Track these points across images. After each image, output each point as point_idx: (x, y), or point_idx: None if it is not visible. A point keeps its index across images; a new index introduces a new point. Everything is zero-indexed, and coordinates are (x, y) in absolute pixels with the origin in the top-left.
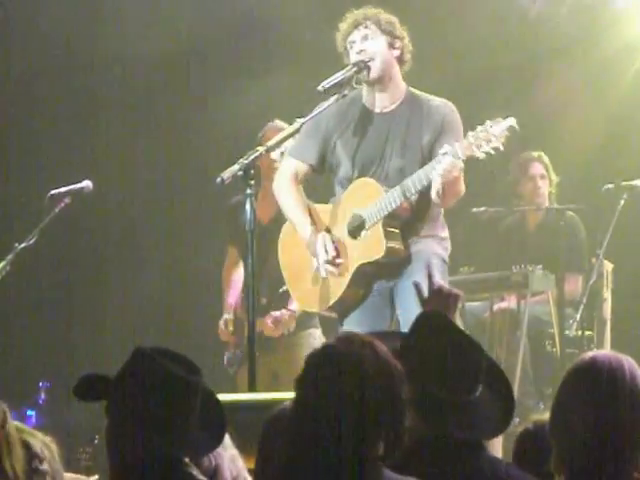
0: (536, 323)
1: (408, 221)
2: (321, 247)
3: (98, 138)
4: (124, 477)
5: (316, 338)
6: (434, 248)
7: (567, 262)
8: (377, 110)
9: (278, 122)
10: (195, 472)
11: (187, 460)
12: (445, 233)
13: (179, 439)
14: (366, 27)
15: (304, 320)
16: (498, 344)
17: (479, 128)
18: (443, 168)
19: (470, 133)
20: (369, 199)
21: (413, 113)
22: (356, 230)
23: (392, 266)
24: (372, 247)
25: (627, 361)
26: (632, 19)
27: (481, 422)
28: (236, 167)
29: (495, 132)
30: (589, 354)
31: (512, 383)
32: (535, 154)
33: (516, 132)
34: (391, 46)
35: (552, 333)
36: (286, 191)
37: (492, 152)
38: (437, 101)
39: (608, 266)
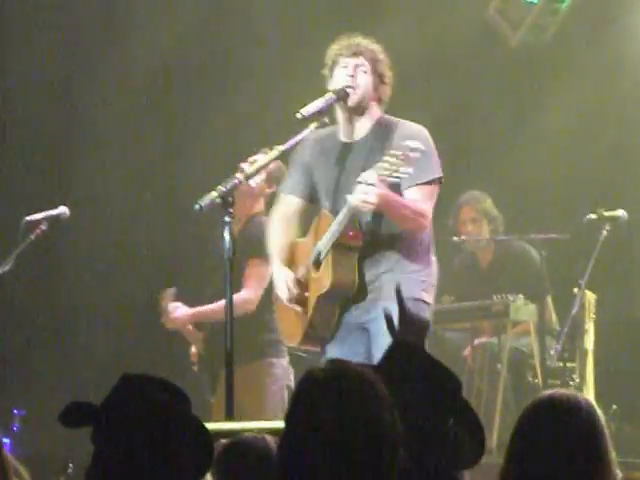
0: (517, 354)
1: (366, 252)
2: (283, 284)
3: (74, 164)
4: None
5: (278, 367)
6: (407, 284)
7: (528, 291)
8: (345, 140)
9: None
10: None
11: None
12: (423, 265)
13: (165, 467)
14: (363, 59)
15: (263, 349)
16: (479, 376)
17: (391, 152)
18: (354, 197)
19: (384, 158)
20: (324, 231)
21: (376, 142)
22: (316, 263)
23: (357, 298)
24: (323, 279)
25: (585, 402)
26: (612, 44)
27: (453, 453)
28: (214, 194)
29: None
30: (546, 393)
31: (493, 415)
32: (468, 196)
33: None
34: (376, 88)
35: (533, 364)
36: (271, 228)
37: (405, 176)
38: (406, 128)
39: (590, 297)
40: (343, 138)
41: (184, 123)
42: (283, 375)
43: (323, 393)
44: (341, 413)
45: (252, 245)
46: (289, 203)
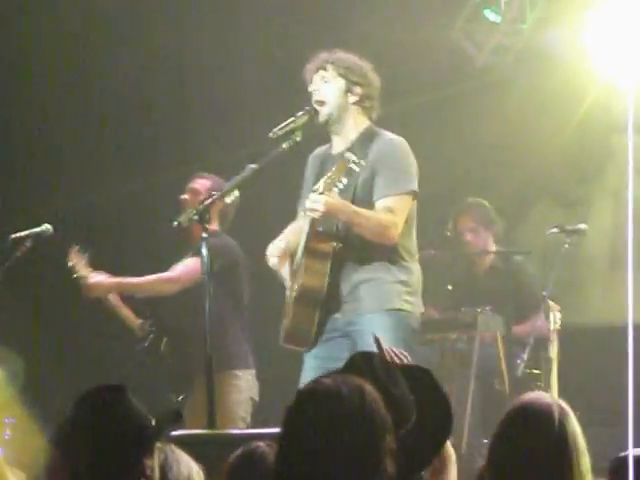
0: (485, 363)
1: (344, 258)
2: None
3: (59, 180)
4: None
5: (241, 379)
6: (387, 295)
7: (520, 304)
8: (333, 152)
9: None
10: None
11: None
12: (404, 273)
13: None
14: (325, 70)
15: (230, 360)
16: (449, 383)
17: (339, 162)
18: (306, 205)
19: (333, 169)
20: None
21: (359, 152)
22: (296, 267)
23: (338, 305)
24: (295, 283)
25: (557, 405)
26: (575, 66)
27: (411, 454)
28: (192, 211)
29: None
30: (524, 397)
31: (463, 420)
32: (466, 205)
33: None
34: (348, 91)
35: (501, 372)
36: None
37: (341, 186)
38: (383, 140)
39: (554, 307)
40: (333, 151)
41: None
42: (248, 387)
43: (320, 406)
44: (335, 426)
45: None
46: (299, 218)
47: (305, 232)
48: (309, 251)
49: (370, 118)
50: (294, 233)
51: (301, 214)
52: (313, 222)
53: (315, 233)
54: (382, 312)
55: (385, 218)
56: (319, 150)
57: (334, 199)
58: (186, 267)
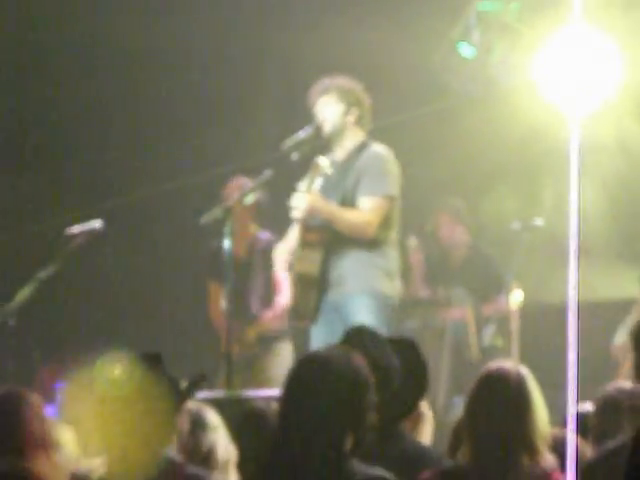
0: (458, 336)
1: (332, 248)
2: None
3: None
4: None
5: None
6: (369, 277)
7: (488, 287)
8: (336, 160)
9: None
10: None
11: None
12: (384, 260)
13: None
14: (328, 95)
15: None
16: (426, 352)
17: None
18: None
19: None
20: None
21: (350, 162)
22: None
23: (331, 287)
24: (293, 271)
25: (517, 370)
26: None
27: (394, 408)
28: (217, 210)
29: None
30: (492, 365)
31: (438, 383)
32: (445, 205)
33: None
34: (346, 112)
35: (470, 343)
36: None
37: (317, 186)
38: (370, 150)
39: (516, 289)
40: (337, 159)
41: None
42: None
43: (319, 371)
44: (325, 386)
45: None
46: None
47: (297, 226)
48: (305, 243)
49: (364, 131)
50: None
51: None
52: (306, 218)
53: (306, 227)
54: (365, 294)
55: (361, 217)
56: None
57: (316, 199)
58: None
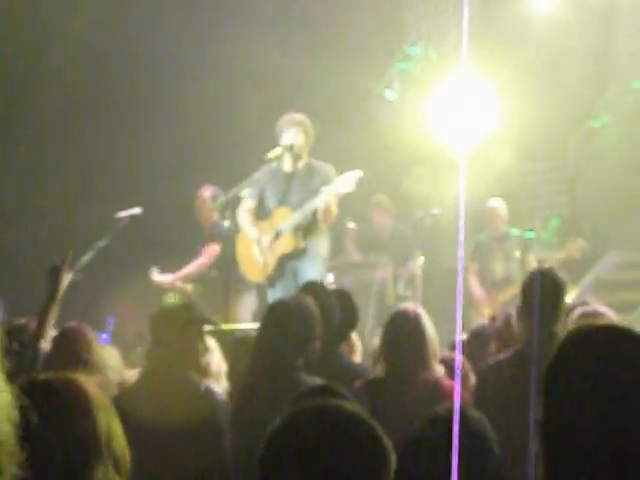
0: (381, 288)
1: (309, 231)
2: (260, 243)
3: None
4: None
5: None
6: (318, 249)
7: (402, 256)
8: (289, 170)
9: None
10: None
11: None
12: (326, 239)
13: None
14: (295, 126)
15: None
16: (358, 299)
17: (341, 177)
18: (322, 200)
19: (335, 180)
20: (284, 218)
21: (307, 171)
22: (279, 235)
23: (296, 254)
24: (287, 244)
25: (414, 312)
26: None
27: (332, 337)
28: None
29: (349, 180)
30: (399, 307)
31: (366, 319)
32: (375, 200)
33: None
34: (305, 141)
35: (389, 293)
36: (242, 215)
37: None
38: (321, 164)
39: (420, 256)
40: (287, 170)
41: None
42: None
43: (280, 309)
44: (283, 322)
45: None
46: (249, 203)
47: (299, 214)
48: (298, 227)
49: (309, 152)
50: (248, 217)
51: (247, 201)
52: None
53: (299, 226)
54: (313, 259)
55: (331, 209)
56: (268, 168)
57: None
58: None
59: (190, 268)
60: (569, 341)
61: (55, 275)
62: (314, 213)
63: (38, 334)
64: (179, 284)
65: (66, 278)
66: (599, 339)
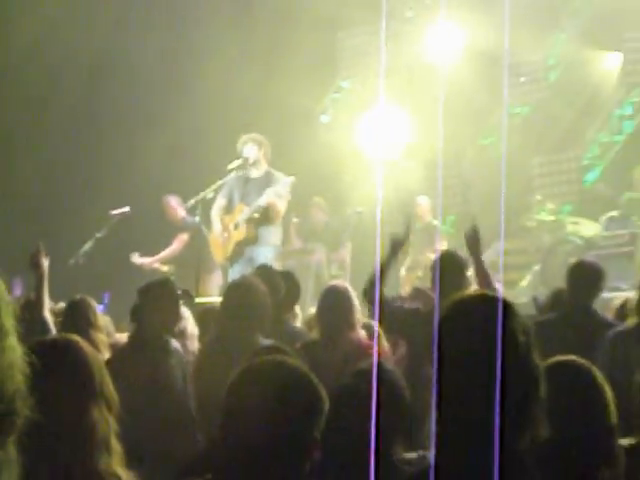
0: (318, 270)
1: (259, 223)
2: (222, 232)
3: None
4: None
5: None
6: (270, 238)
7: (334, 243)
8: (253, 177)
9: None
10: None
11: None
12: (278, 231)
13: None
14: (254, 143)
15: None
16: (300, 278)
17: (281, 182)
18: (264, 200)
19: (276, 184)
20: (240, 213)
21: (265, 178)
22: (236, 226)
23: (252, 242)
24: (241, 233)
25: (345, 284)
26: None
27: (281, 307)
28: (192, 201)
29: (286, 184)
30: (330, 284)
31: (305, 295)
32: (314, 200)
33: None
34: (263, 154)
35: (323, 274)
36: (214, 211)
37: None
38: (278, 173)
39: (349, 246)
40: (252, 176)
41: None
42: None
43: (242, 288)
44: (239, 296)
45: None
46: (221, 201)
47: (249, 210)
48: (251, 220)
49: (267, 162)
50: (219, 213)
51: (220, 200)
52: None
53: (250, 219)
54: (265, 247)
55: (277, 207)
56: (237, 174)
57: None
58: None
59: (165, 253)
60: (446, 306)
61: (35, 262)
62: (265, 209)
63: (38, 304)
64: (157, 265)
65: (45, 261)
66: (468, 304)
